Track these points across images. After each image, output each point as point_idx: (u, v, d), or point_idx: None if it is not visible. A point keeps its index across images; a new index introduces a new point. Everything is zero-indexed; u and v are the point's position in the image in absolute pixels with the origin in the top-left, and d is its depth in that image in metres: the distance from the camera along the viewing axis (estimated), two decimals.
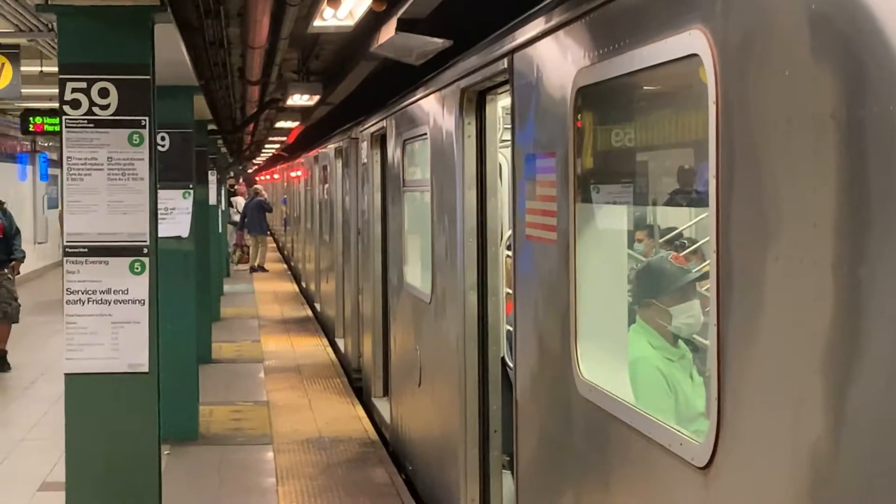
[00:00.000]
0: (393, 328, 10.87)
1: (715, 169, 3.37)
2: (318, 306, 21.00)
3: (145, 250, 5.88)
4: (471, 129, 7.43)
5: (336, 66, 13.03)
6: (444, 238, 8.01)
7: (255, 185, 39.73)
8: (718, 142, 3.34)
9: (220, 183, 24.75)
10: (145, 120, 5.87)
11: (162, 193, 10.76)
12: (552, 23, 5.05)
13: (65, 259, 5.82)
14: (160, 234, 10.86)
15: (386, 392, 12.34)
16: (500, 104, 7.56)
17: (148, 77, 5.87)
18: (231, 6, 9.17)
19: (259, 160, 43.15)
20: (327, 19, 8.74)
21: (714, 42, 3.37)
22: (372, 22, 8.82)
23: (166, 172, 10.73)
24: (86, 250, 5.82)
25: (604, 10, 4.39)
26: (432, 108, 8.37)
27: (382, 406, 11.90)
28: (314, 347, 16.96)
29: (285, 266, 33.83)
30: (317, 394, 13.14)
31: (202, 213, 15.18)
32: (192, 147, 10.90)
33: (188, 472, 9.61)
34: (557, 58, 5.04)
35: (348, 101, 14.96)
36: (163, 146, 10.74)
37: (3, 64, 11.69)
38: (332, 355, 16.09)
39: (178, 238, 10.79)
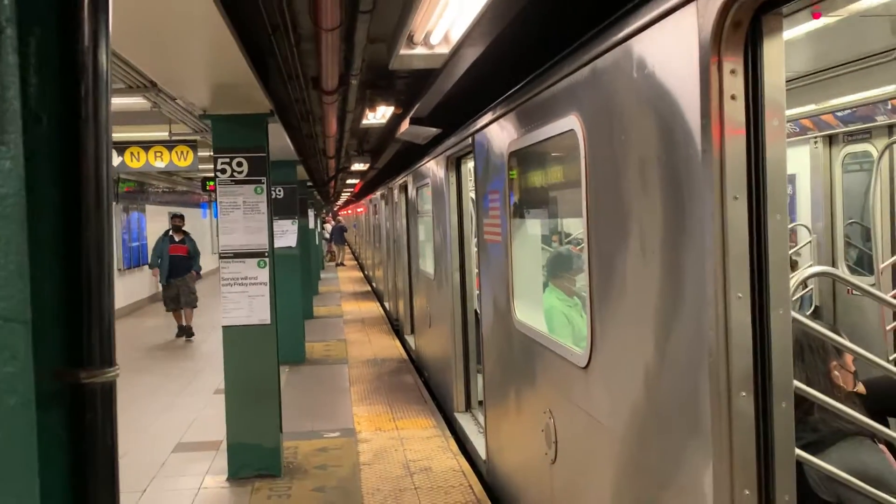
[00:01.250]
0: (415, 295, 10.78)
1: (585, 196, 3.31)
2: (374, 284, 20.94)
3: (266, 254, 5.81)
4: (453, 179, 7.36)
5: (378, 146, 12.93)
6: (440, 242, 7.93)
7: (338, 217, 40.28)
8: (587, 180, 3.28)
9: (316, 216, 24.82)
10: (263, 179, 5.80)
11: (280, 222, 10.75)
12: (495, 114, 4.98)
13: (220, 260, 5.75)
14: (277, 245, 10.91)
15: (412, 331, 12.31)
16: (469, 166, 7.50)
17: (264, 154, 5.81)
18: (315, 113, 9.09)
19: (339, 203, 42.94)
20: (370, 119, 8.66)
21: (583, 121, 3.31)
22: (395, 121, 8.74)
23: (281, 210, 10.67)
24: (231, 254, 5.75)
25: (523, 105, 4.33)
26: (432, 168, 8.29)
27: (410, 339, 11.79)
28: (372, 307, 16.85)
29: (356, 262, 33.79)
30: (373, 334, 13.03)
31: (305, 234, 15.10)
32: (297, 195, 10.84)
33: (300, 381, 9.51)
34: (498, 134, 4.97)
35: (386, 168, 14.89)
36: (279, 195, 10.67)
37: (188, 151, 11.63)
38: (382, 311, 15.98)
39: (290, 247, 10.72)
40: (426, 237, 10.01)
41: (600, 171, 3.15)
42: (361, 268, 28.78)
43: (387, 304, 15.99)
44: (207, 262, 15.99)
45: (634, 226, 2.82)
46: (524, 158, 4.59)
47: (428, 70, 6.74)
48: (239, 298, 5.73)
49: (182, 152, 11.53)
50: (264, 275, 5.76)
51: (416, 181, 9.78)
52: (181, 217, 13.91)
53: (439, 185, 7.81)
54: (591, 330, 3.28)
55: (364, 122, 8.72)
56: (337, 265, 31.79)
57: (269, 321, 5.78)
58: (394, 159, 13.19)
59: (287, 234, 10.71)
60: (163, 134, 10.92)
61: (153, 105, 7.08)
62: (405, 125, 8.15)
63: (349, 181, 19.76)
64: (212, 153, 5.75)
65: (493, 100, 5.21)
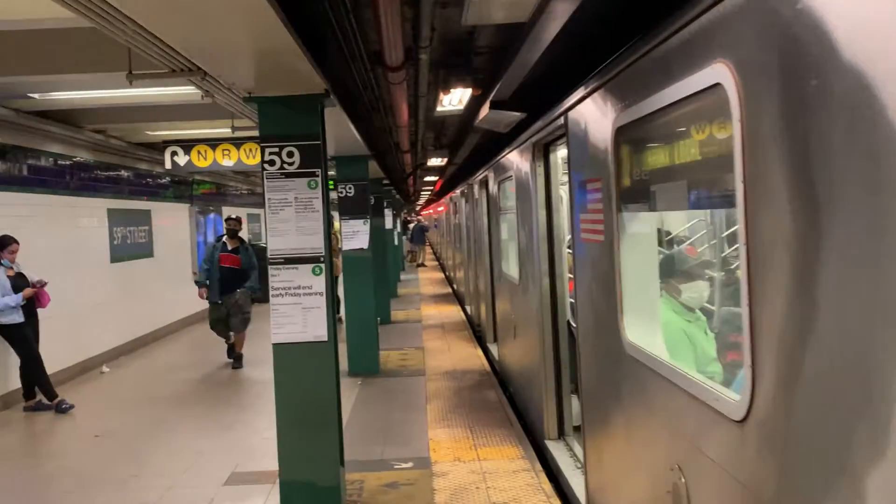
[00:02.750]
0: (497, 300, 9.82)
1: (742, 176, 2.30)
2: (455, 286, 20.10)
3: (321, 259, 4.93)
4: (540, 169, 6.39)
5: (456, 139, 12.05)
6: (525, 242, 6.97)
7: (419, 217, 39.78)
8: (745, 154, 2.28)
9: (395, 216, 24.18)
10: (318, 171, 4.92)
11: (350, 223, 9.97)
12: (596, 84, 4.00)
13: (269, 266, 4.92)
14: (348, 248, 10.19)
15: (495, 339, 11.38)
16: (560, 153, 6.55)
17: (318, 143, 4.92)
18: (385, 101, 8.24)
19: (419, 203, 42.27)
20: (445, 106, 7.77)
21: (737, 71, 2.31)
22: (474, 106, 7.82)
23: (352, 209, 9.88)
24: (283, 260, 4.91)
25: (635, 66, 3.34)
26: (514, 158, 7.32)
27: (493, 348, 10.86)
28: (453, 312, 15.96)
29: (437, 263, 33.02)
30: (453, 342, 12.14)
31: (380, 234, 14.34)
32: (368, 193, 9.99)
33: (372, 396, 8.68)
34: (599, 108, 3.98)
35: (465, 163, 13.99)
36: (350, 193, 9.88)
37: (256, 148, 11.02)
38: (463, 316, 15.08)
39: (361, 249, 9.92)
40: (509, 237, 9.07)
41: (769, 141, 2.15)
42: (442, 268, 27.99)
43: (468, 308, 15.11)
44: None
45: (837, 216, 1.82)
46: (637, 135, 3.59)
47: (510, 37, 5.80)
48: (291, 311, 4.89)
49: (250, 150, 10.88)
50: (320, 283, 4.90)
51: (498, 175, 8.83)
52: (237, 220, 11.06)
53: (524, 177, 6.85)
54: (753, 367, 2.27)
55: (439, 109, 7.83)
56: (417, 266, 31.13)
57: (325, 337, 4.92)
58: (473, 154, 12.28)
59: (359, 235, 9.91)
60: (226, 130, 10.27)
61: (205, 93, 6.34)
62: (484, 111, 7.22)
63: (428, 178, 18.92)
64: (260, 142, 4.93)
65: (590, 69, 4.23)
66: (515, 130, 7.60)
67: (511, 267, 8.55)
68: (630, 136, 3.63)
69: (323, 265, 4.92)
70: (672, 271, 4.36)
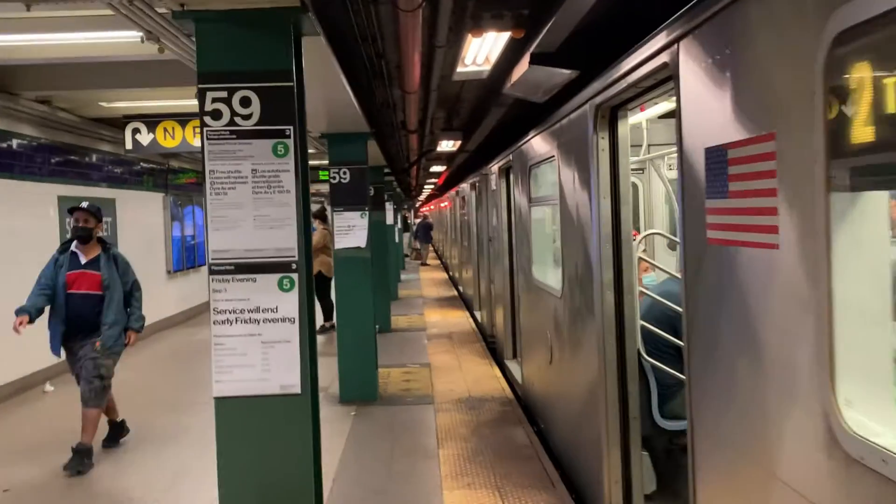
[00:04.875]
0: (522, 311, 8.07)
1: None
2: (461, 288, 18.37)
3: (294, 266, 3.19)
4: (604, 144, 4.64)
5: (472, 119, 10.29)
6: (576, 243, 5.24)
7: (424, 213, 38.37)
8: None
9: (396, 211, 22.53)
10: (289, 129, 3.17)
11: (344, 215, 8.21)
12: None
13: (210, 277, 3.17)
14: (341, 246, 8.43)
15: (514, 355, 9.67)
16: (634, 119, 4.89)
17: (291, 84, 3.17)
18: (390, 60, 6.52)
19: (420, 198, 40.39)
20: (468, 66, 6.04)
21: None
22: (504, 66, 6.08)
23: (347, 198, 8.14)
24: (232, 267, 3.16)
25: None
26: (560, 134, 5.59)
27: (513, 367, 9.12)
28: (460, 318, 14.22)
29: (439, 262, 31.28)
30: (464, 356, 10.41)
31: (379, 230, 12.60)
32: (367, 179, 8.24)
33: (367, 436, 6.93)
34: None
35: (478, 151, 12.25)
36: (344, 179, 8.13)
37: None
38: (472, 324, 13.34)
39: (358, 248, 8.17)
40: (545, 236, 7.35)
41: None
42: (445, 268, 26.19)
43: (478, 315, 13.37)
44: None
45: None
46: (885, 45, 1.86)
47: None
48: (245, 347, 3.15)
49: None
50: (291, 303, 3.17)
51: (527, 159, 7.08)
52: (91, 212, 6.32)
53: (574, 156, 5.13)
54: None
55: (460, 69, 6.09)
56: (421, 264, 29.44)
57: (298, 387, 3.18)
58: (490, 137, 10.53)
59: (355, 231, 8.16)
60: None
61: (147, 34, 4.59)
62: (522, 67, 5.48)
63: (434, 169, 17.14)
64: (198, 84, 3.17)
65: None
66: (554, 101, 5.89)
67: (548, 274, 6.82)
68: (871, 44, 1.90)
69: (295, 276, 3.19)
70: None
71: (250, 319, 3.15)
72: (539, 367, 6.96)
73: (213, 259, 3.15)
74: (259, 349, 3.15)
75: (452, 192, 20.57)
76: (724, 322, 2.77)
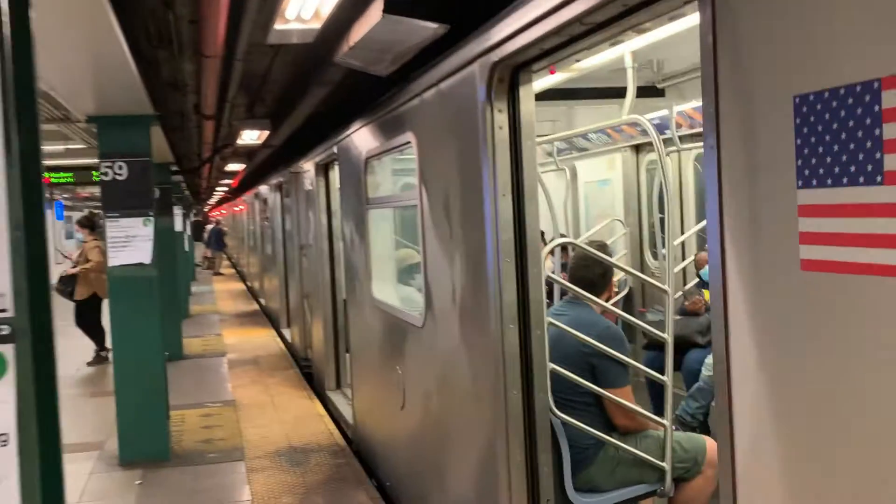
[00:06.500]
0: (353, 336, 6.60)
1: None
2: (262, 301, 16.48)
3: (5, 329, 1.56)
4: (502, 119, 3.32)
5: (281, 108, 8.65)
6: (452, 256, 3.88)
7: (217, 218, 36.04)
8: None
9: (185, 216, 20.24)
10: None
11: (123, 221, 6.35)
12: None
13: None
14: (117, 263, 6.51)
15: (338, 385, 8.18)
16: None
17: None
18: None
19: (211, 202, 37.32)
20: (290, 22, 4.51)
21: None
22: (336, 28, 4.60)
23: (125, 200, 6.28)
24: None
25: None
26: (422, 111, 4.21)
27: (339, 401, 7.63)
28: (266, 338, 12.45)
29: (234, 270, 28.88)
30: (277, 389, 8.77)
31: (167, 238, 10.59)
32: (151, 176, 6.43)
33: None
34: None
35: (286, 146, 10.58)
36: (120, 175, 6.27)
37: None
38: (282, 344, 11.64)
39: (141, 265, 6.33)
40: (389, 245, 5.99)
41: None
42: (243, 278, 23.98)
43: (287, 333, 11.71)
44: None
45: None
46: None
47: None
48: None
49: None
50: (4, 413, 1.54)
51: (361, 150, 5.63)
52: None
53: (452, 138, 3.78)
54: None
55: (279, 26, 4.54)
56: (214, 274, 27.00)
57: None
58: (303, 129, 8.94)
59: (135, 243, 6.31)
60: None
61: None
62: (368, 21, 4.04)
63: (230, 167, 15.07)
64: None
65: None
66: (401, 75, 4.53)
67: (397, 295, 5.45)
68: None
69: (8, 349, 1.56)
70: None
71: None
72: (383, 410, 5.53)
73: None
74: None
75: (250, 194, 18.62)
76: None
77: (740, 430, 1.86)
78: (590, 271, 3.80)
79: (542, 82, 4.67)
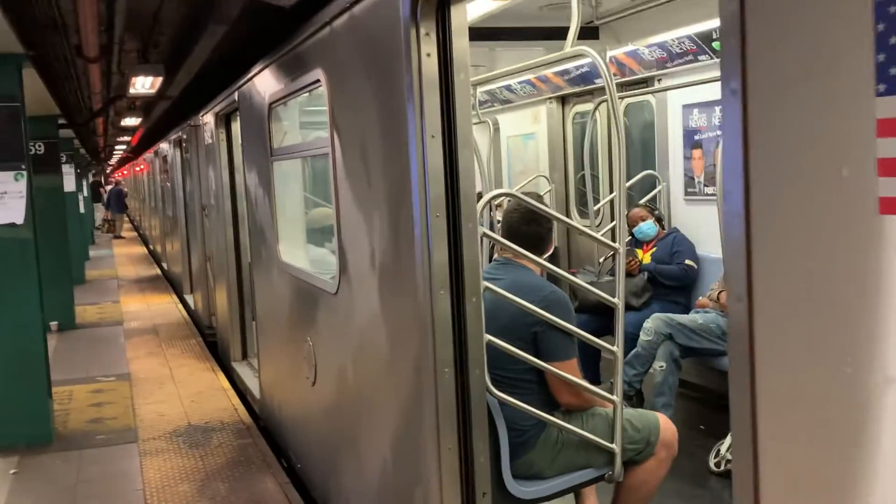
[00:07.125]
0: (260, 303, 5.99)
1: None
2: (164, 265, 15.52)
3: None
4: (430, 45, 2.77)
5: (176, 54, 7.82)
6: (371, 213, 3.34)
7: (119, 179, 34.46)
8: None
9: (80, 176, 18.94)
10: None
11: None
12: None
13: None
14: None
15: (244, 356, 7.56)
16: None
17: None
18: None
19: (112, 162, 35.29)
20: None
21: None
22: None
23: None
24: None
25: None
26: (334, 42, 3.60)
27: (245, 373, 7.02)
28: (167, 305, 11.63)
29: (136, 233, 27.46)
30: (177, 361, 8.08)
31: (55, 198, 9.67)
32: (22, 124, 5.62)
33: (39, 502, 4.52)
34: None
35: (184, 97, 9.72)
36: None
37: None
38: (185, 312, 10.86)
39: (13, 225, 5.56)
40: (298, 202, 5.41)
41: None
42: (144, 241, 22.74)
43: (189, 300, 10.93)
44: None
45: None
46: None
47: None
48: None
49: None
50: None
51: (264, 95, 4.99)
52: None
53: (366, 71, 3.22)
54: None
55: None
56: (114, 237, 25.58)
57: None
58: (201, 77, 8.15)
59: (6, 200, 5.55)
60: None
61: None
62: None
63: (126, 122, 13.92)
64: None
65: None
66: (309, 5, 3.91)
67: (306, 257, 4.88)
68: None
69: None
70: None
71: None
72: (292, 385, 4.97)
73: None
74: None
75: (150, 152, 17.49)
76: None
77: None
78: (537, 227, 3.30)
79: (476, 7, 4.10)
